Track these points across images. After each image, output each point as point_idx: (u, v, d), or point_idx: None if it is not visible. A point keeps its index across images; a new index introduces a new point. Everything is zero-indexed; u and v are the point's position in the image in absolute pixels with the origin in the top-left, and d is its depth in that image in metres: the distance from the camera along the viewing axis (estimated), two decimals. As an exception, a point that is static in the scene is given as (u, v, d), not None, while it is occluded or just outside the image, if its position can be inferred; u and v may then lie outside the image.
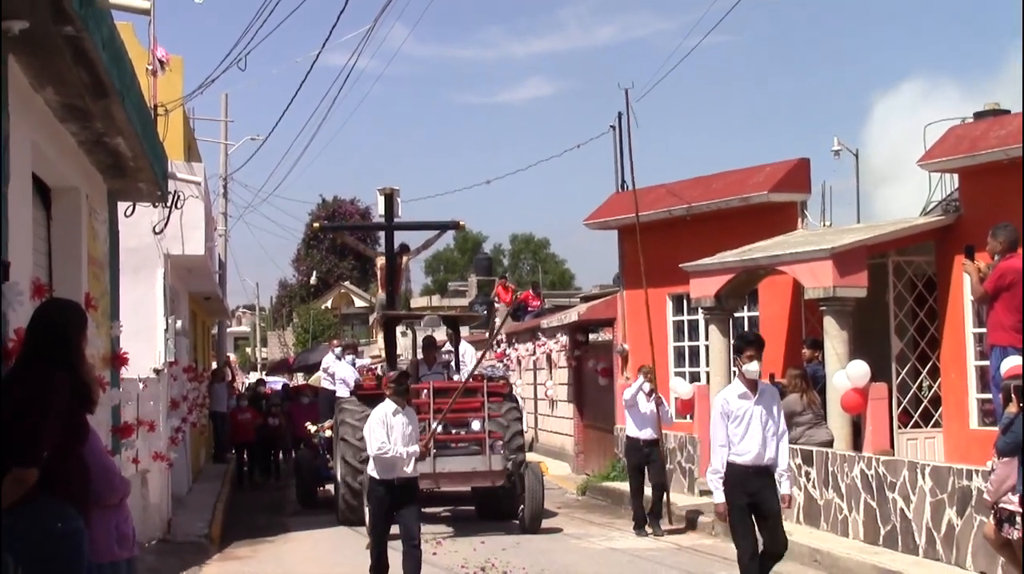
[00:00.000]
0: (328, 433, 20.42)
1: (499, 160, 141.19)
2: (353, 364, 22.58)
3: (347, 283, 74.34)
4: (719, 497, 10.52)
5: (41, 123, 7.69)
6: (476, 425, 17.49)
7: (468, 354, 20.20)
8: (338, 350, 23.12)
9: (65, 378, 6.17)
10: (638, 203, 19.75)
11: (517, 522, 17.38)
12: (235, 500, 22.82)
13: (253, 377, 46.06)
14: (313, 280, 72.94)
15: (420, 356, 19.44)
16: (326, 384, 22.76)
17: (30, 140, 7.33)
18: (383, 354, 20.86)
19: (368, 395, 17.61)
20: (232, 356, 46.63)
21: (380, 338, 22.41)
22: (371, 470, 12.26)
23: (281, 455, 28.31)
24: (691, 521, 17.20)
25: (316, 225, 22.51)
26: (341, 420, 18.06)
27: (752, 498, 10.35)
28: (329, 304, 72.17)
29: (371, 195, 22.74)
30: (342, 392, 21.01)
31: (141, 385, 13.10)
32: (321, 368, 23.30)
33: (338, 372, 22.19)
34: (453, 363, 19.56)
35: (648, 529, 16.96)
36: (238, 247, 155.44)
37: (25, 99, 7.13)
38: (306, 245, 76.60)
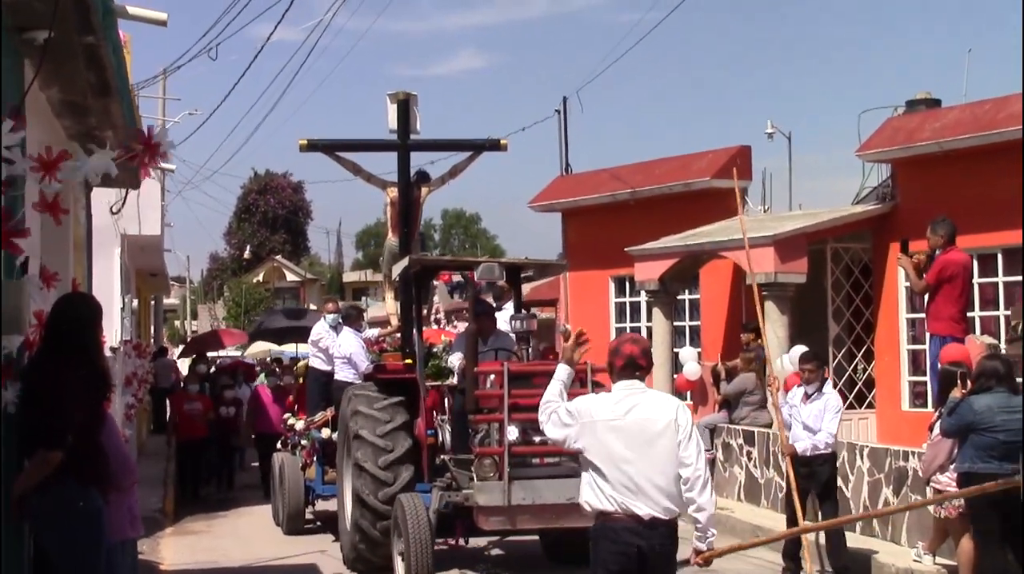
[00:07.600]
0: (325, 432, 15.35)
1: (431, 133, 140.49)
2: (359, 332, 16.41)
3: (279, 257, 74.24)
4: None
5: (40, 119, 7.98)
6: None
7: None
8: (331, 318, 16.53)
9: (85, 366, 6.55)
10: (581, 187, 20.24)
11: None
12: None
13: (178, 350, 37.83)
14: (247, 254, 72.60)
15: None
16: (316, 363, 16.88)
17: (30, 137, 7.62)
18: (392, 321, 15.75)
19: (389, 381, 12.88)
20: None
21: (389, 298, 16.39)
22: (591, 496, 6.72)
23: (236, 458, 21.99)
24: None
25: (304, 141, 15.22)
26: (353, 413, 12.50)
27: None
28: (260, 278, 72.02)
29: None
30: (344, 374, 15.46)
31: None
32: (310, 341, 17.36)
33: (342, 346, 15.73)
34: (524, 332, 12.62)
35: None
36: (171, 220, 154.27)
37: (30, 98, 7.42)
38: (237, 218, 76.32)
